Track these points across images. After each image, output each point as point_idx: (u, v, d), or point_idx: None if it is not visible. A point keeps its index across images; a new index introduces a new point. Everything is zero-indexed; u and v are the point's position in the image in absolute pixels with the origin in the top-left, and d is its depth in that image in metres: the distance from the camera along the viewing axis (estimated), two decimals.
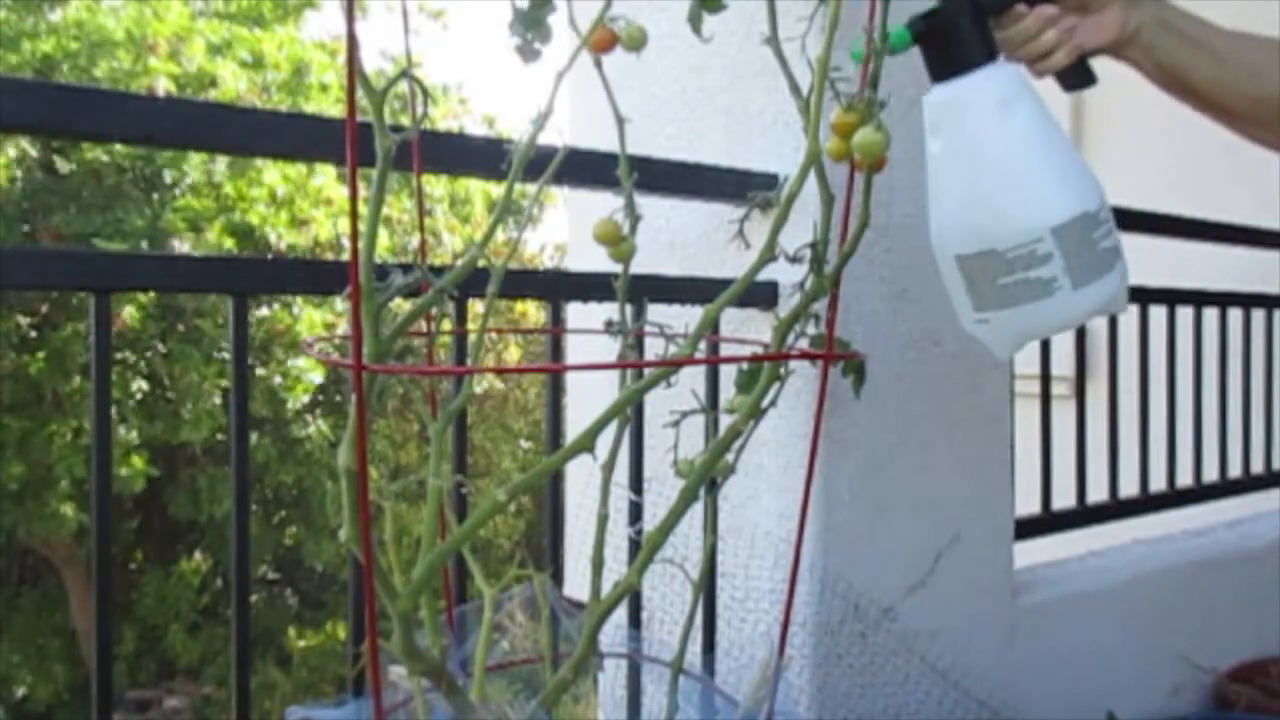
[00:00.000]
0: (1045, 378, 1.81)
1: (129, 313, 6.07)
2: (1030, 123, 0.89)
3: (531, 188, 0.99)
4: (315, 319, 6.55)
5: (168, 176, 6.58)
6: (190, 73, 6.89)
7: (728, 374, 1.21)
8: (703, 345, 1.07)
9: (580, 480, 1.30)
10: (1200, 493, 2.21)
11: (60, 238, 6.33)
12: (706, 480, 0.97)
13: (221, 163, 6.60)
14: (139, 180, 6.66)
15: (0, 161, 6.23)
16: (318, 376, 6.68)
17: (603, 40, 0.96)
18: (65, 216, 6.40)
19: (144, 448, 6.36)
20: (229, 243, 6.49)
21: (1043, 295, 0.87)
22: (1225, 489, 2.27)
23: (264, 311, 6.51)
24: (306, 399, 6.82)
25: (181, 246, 6.31)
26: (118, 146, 6.46)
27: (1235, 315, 2.30)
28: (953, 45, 0.92)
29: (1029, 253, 0.87)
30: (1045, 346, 1.77)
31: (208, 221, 6.51)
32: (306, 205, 6.82)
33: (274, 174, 6.69)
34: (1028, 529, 1.75)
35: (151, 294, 6.25)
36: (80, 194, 6.49)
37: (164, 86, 6.57)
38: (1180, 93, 1.02)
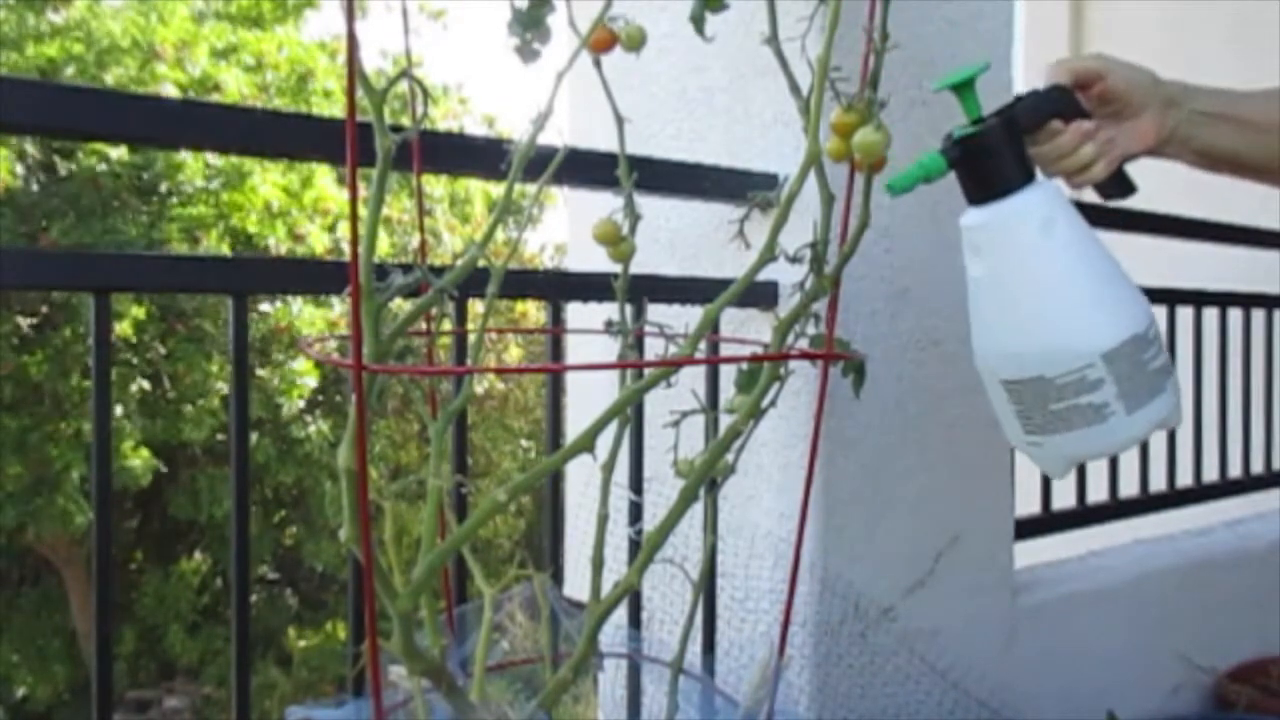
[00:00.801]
0: None
1: (120, 329, 6.06)
2: (1073, 245, 0.87)
3: (531, 188, 0.99)
4: (316, 317, 6.55)
5: (163, 185, 6.58)
6: (195, 78, 6.90)
7: (728, 374, 1.21)
8: (703, 345, 1.07)
9: (580, 480, 1.30)
10: (1200, 493, 2.21)
11: (57, 247, 6.33)
12: (706, 480, 0.97)
13: (217, 166, 6.61)
14: (135, 188, 6.66)
15: (3, 166, 6.23)
16: (312, 380, 6.68)
17: (602, 40, 0.96)
18: (63, 226, 6.40)
19: (146, 446, 6.36)
20: (226, 249, 6.50)
21: (1095, 421, 0.85)
22: (1225, 489, 2.27)
23: (266, 308, 6.51)
24: (305, 400, 6.82)
25: None
26: (115, 154, 6.47)
27: (1235, 315, 2.30)
28: (990, 167, 0.89)
29: (1079, 379, 0.84)
30: None
31: (204, 230, 6.51)
32: (303, 219, 6.83)
33: (269, 186, 6.69)
34: (1028, 529, 1.75)
35: (152, 297, 6.26)
36: (79, 200, 6.49)
37: (171, 94, 6.57)
38: (1221, 169, 1.00)
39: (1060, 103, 0.91)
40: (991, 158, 0.89)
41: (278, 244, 6.66)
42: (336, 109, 7.49)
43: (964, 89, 0.91)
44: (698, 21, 1.01)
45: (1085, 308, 0.86)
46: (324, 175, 6.99)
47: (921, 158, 0.90)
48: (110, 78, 6.64)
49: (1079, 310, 0.86)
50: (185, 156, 6.34)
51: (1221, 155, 0.98)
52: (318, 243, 6.80)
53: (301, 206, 6.88)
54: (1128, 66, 0.95)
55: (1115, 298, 0.86)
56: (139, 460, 6.20)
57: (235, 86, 6.92)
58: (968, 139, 0.89)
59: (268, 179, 6.71)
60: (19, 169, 6.41)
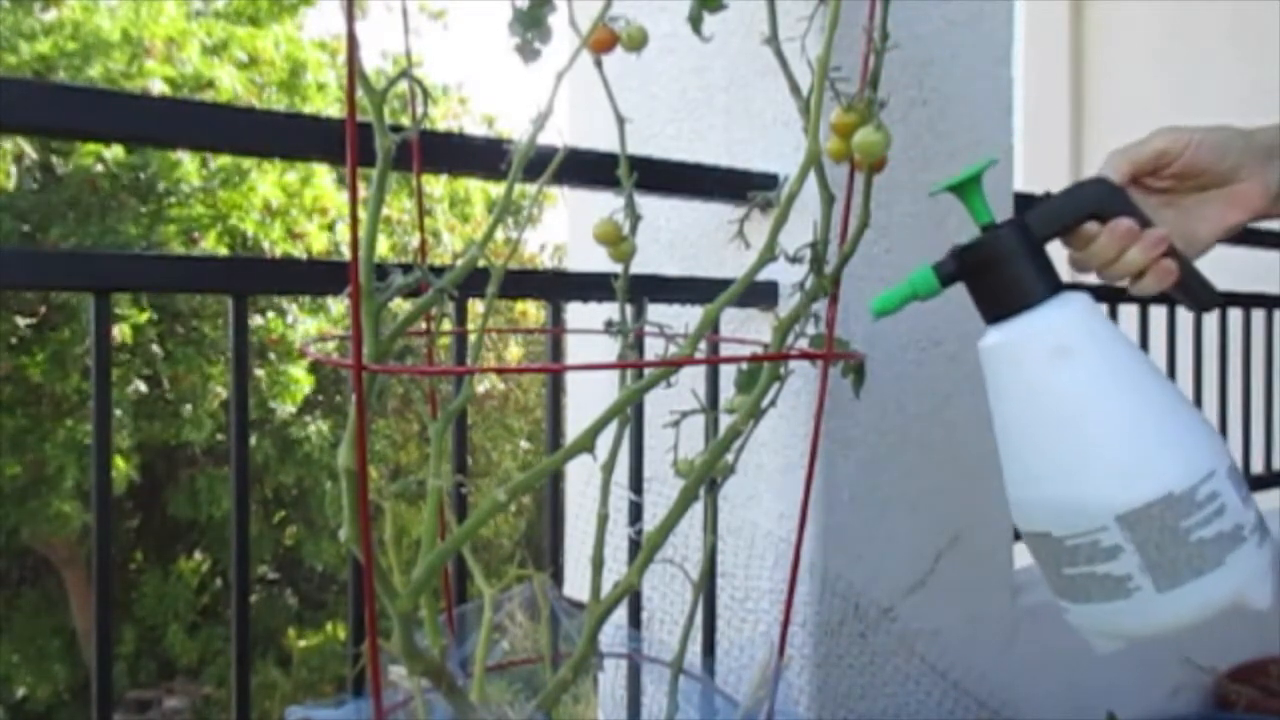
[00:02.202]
0: None
1: (121, 330, 6.06)
2: (1098, 377, 0.72)
3: (531, 188, 0.99)
4: (312, 328, 6.55)
5: (161, 185, 6.58)
6: (186, 74, 6.89)
7: (728, 374, 1.21)
8: (703, 345, 1.07)
9: (580, 480, 1.30)
10: None
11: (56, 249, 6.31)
12: (706, 480, 0.97)
13: (213, 168, 6.61)
14: (133, 188, 6.66)
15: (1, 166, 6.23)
16: (308, 387, 6.69)
17: (603, 40, 0.96)
18: (63, 228, 6.39)
19: (141, 449, 6.36)
20: (225, 250, 6.50)
21: (1117, 595, 0.70)
22: None
23: (258, 320, 6.50)
24: (306, 398, 6.82)
25: None
26: (111, 154, 6.46)
27: (1235, 315, 2.30)
28: (996, 282, 0.75)
29: (1091, 544, 0.69)
30: None
31: (202, 230, 6.51)
32: (301, 218, 6.83)
33: (268, 185, 6.69)
34: None
35: (146, 308, 6.26)
36: (78, 201, 6.49)
37: (159, 90, 6.56)
38: None
39: (1096, 200, 0.76)
40: (998, 271, 0.75)
41: (272, 246, 6.65)
42: (331, 102, 7.49)
43: (968, 190, 0.77)
44: (695, 22, 1.01)
45: (1101, 457, 0.71)
46: (323, 175, 6.99)
47: (913, 273, 0.78)
48: (96, 72, 6.62)
49: (1092, 459, 0.71)
50: (182, 156, 6.33)
51: None
52: (316, 242, 6.80)
53: (301, 206, 6.88)
54: (1204, 130, 0.78)
55: (1146, 446, 0.70)
56: (115, 471, 6.19)
57: (229, 83, 6.91)
58: (964, 252, 0.77)
59: (266, 179, 6.71)
60: (13, 170, 6.40)
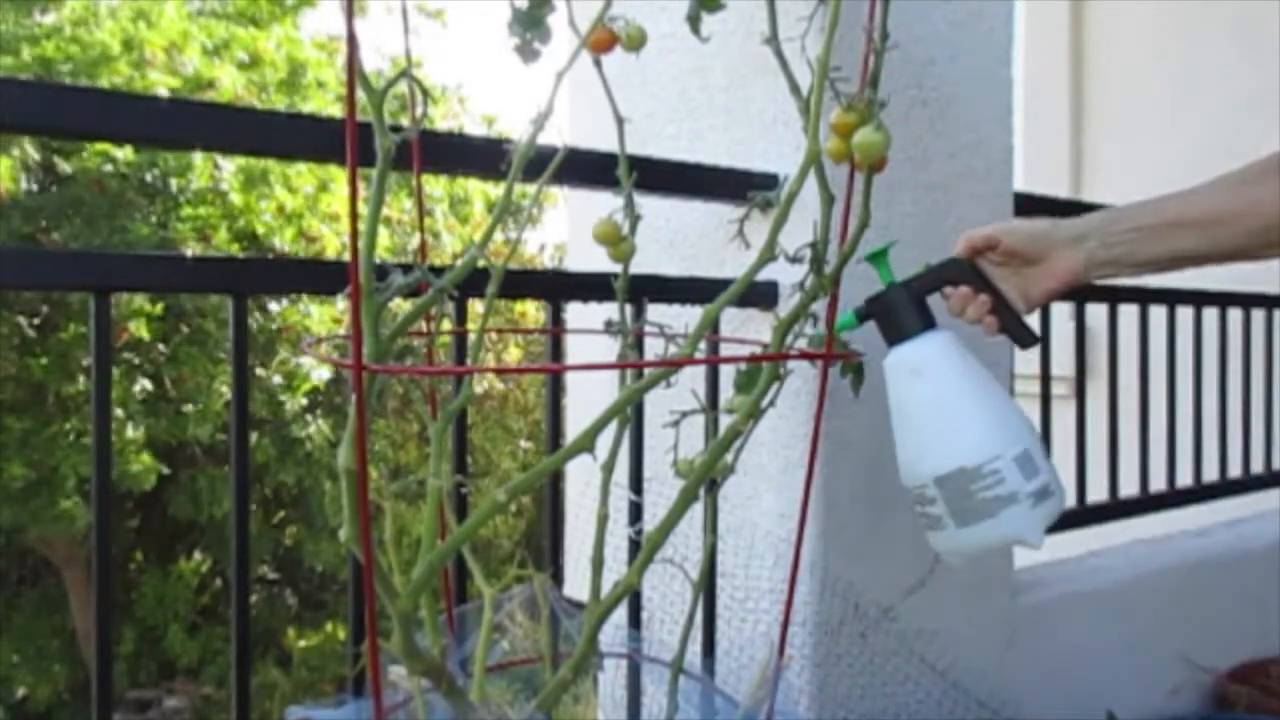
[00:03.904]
0: (1045, 378, 1.81)
1: (135, 326, 6.06)
2: (935, 389, 1.06)
3: (531, 188, 0.99)
4: (326, 316, 6.53)
5: (173, 184, 6.57)
6: (188, 77, 6.88)
7: (728, 374, 1.21)
8: (703, 345, 1.07)
9: (580, 480, 1.30)
10: (1200, 493, 2.21)
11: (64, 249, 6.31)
12: (706, 480, 0.97)
13: (229, 170, 6.59)
14: (143, 188, 6.65)
15: (4, 165, 6.23)
16: (325, 372, 6.65)
17: (602, 40, 0.96)
18: (71, 229, 6.39)
19: (148, 447, 6.36)
20: (235, 249, 6.49)
21: (937, 528, 1.06)
22: (1225, 489, 2.27)
23: (273, 308, 6.49)
24: (307, 399, 6.81)
25: (189, 254, 6.28)
26: (120, 153, 6.46)
27: (1235, 315, 2.30)
28: (891, 322, 1.08)
29: (920, 494, 1.05)
30: (1045, 347, 1.77)
31: (213, 229, 6.50)
32: (315, 222, 6.81)
33: (282, 187, 6.68)
34: None
35: (159, 302, 6.26)
36: (84, 201, 6.48)
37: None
38: (1179, 267, 1.07)
39: (951, 273, 1.07)
40: (892, 315, 1.08)
41: (283, 245, 6.64)
42: (331, 101, 7.48)
43: (878, 260, 1.09)
44: (694, 21, 1.01)
45: (927, 440, 1.06)
46: (340, 186, 6.94)
47: (840, 315, 1.10)
48: (101, 84, 6.62)
49: (926, 442, 1.06)
50: (195, 156, 6.33)
51: (1175, 259, 1.04)
52: (330, 246, 6.78)
53: (316, 213, 6.86)
54: (1023, 223, 1.07)
55: (956, 436, 1.05)
56: (140, 465, 6.19)
57: (230, 84, 6.90)
58: (872, 301, 1.09)
59: (281, 183, 6.69)
60: (21, 173, 6.40)
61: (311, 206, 6.83)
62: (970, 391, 1.08)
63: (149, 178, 6.58)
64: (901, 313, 1.08)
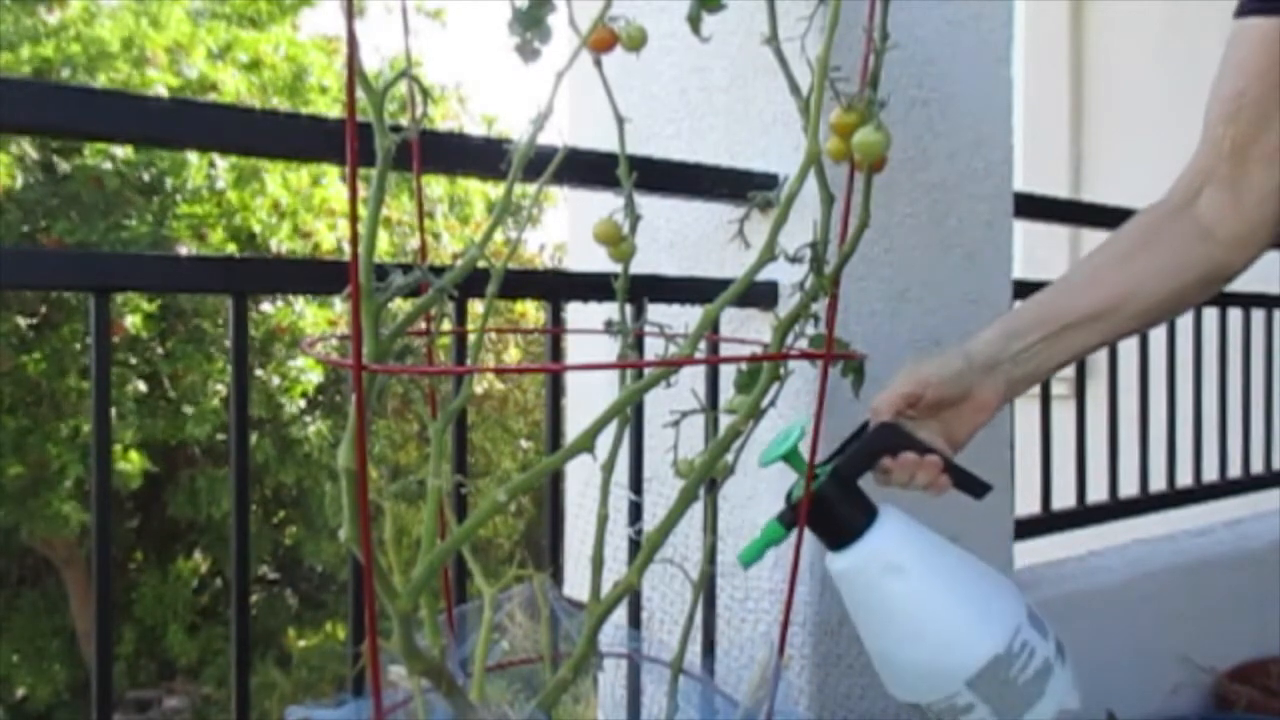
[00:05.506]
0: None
1: (132, 321, 6.06)
2: (924, 578, 0.91)
3: (531, 188, 0.99)
4: (320, 318, 6.53)
5: (169, 183, 6.57)
6: (191, 79, 6.89)
7: (728, 374, 1.21)
8: (703, 345, 1.07)
9: (580, 480, 1.30)
10: (1200, 493, 2.21)
11: (63, 246, 6.32)
12: (706, 480, 0.97)
13: (222, 167, 6.59)
14: (140, 186, 6.65)
15: (2, 161, 6.23)
16: (316, 375, 6.66)
17: (603, 40, 0.96)
18: (68, 225, 6.39)
19: (144, 447, 6.35)
20: (231, 248, 6.49)
21: None
22: (1225, 489, 2.27)
23: (266, 308, 6.49)
24: (306, 400, 6.81)
25: (186, 252, 6.30)
26: (118, 152, 6.46)
27: (1235, 315, 2.30)
28: (828, 520, 0.93)
29: (950, 706, 0.89)
30: None
31: (210, 228, 6.50)
32: (309, 218, 6.81)
33: (276, 183, 6.67)
34: (1028, 529, 1.75)
35: (155, 299, 6.25)
36: (80, 199, 6.48)
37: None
38: (1088, 354, 1.05)
39: (883, 441, 0.94)
40: (827, 511, 0.93)
41: (279, 245, 6.64)
42: (332, 104, 7.48)
43: (790, 456, 0.94)
44: (694, 21, 1.01)
45: (943, 638, 0.89)
46: (335, 179, 6.96)
47: (764, 526, 0.94)
48: (101, 81, 6.61)
49: (938, 642, 0.89)
50: (190, 155, 6.33)
51: (1085, 352, 1.02)
52: (325, 241, 6.78)
53: (310, 206, 6.86)
54: (932, 367, 0.98)
55: (972, 621, 0.89)
56: (129, 464, 6.19)
57: (233, 86, 6.91)
58: (798, 503, 0.93)
59: (275, 179, 6.69)
60: (18, 170, 6.40)
61: (305, 202, 6.83)
62: (956, 565, 0.93)
63: (146, 176, 6.58)
64: (841, 508, 0.93)
